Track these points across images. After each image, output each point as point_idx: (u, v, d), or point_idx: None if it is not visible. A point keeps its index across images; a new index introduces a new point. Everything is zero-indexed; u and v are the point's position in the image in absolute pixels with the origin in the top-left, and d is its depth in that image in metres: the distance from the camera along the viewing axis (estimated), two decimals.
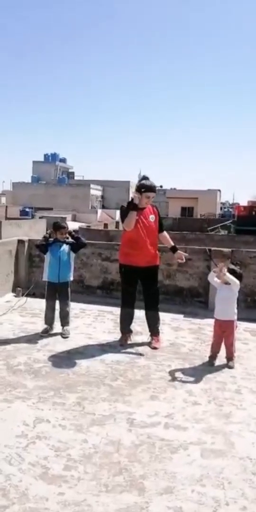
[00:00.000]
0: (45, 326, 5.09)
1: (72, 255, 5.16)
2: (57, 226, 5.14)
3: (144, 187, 4.70)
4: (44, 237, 5.15)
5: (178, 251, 4.96)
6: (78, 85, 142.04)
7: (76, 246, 5.17)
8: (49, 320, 5.11)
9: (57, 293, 5.10)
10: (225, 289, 4.30)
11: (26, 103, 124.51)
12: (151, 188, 4.74)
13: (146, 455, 2.77)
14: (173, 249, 4.96)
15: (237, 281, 4.25)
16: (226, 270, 4.24)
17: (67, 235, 5.14)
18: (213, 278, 4.48)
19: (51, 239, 5.07)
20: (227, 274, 4.22)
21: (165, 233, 4.98)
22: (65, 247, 5.08)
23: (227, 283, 4.27)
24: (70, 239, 5.15)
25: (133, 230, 4.69)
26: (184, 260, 5.06)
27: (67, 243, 5.10)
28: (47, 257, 5.08)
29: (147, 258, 4.72)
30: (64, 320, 5.09)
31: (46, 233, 5.21)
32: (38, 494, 2.37)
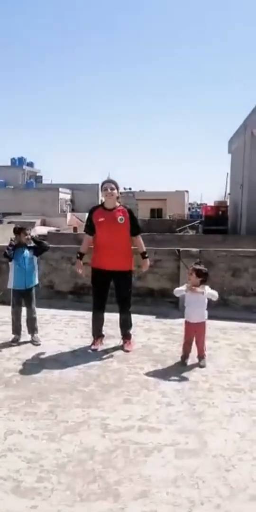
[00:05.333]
0: (14, 335, 4.96)
1: (35, 258, 5.05)
2: (19, 228, 5.03)
3: (102, 184, 4.83)
4: (10, 244, 5.00)
5: (144, 260, 4.90)
6: (44, 86, 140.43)
7: (39, 250, 5.07)
8: (17, 328, 4.98)
9: (24, 300, 5.00)
10: (197, 293, 4.33)
11: None
12: (105, 181, 4.80)
13: (120, 460, 2.75)
14: (143, 255, 4.90)
15: (216, 293, 4.34)
16: (200, 288, 4.28)
17: (30, 239, 5.03)
18: (180, 293, 4.50)
19: (14, 243, 4.93)
20: (206, 291, 4.28)
21: (138, 237, 4.82)
22: (28, 252, 4.96)
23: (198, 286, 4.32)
24: (32, 243, 5.03)
25: (100, 233, 4.68)
26: (143, 271, 5.04)
27: (29, 248, 4.97)
28: (11, 264, 4.93)
29: (115, 262, 4.64)
30: (33, 327, 5.00)
31: (11, 240, 5.07)
32: (9, 509, 2.30)
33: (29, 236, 5.02)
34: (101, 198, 4.95)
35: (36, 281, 5.09)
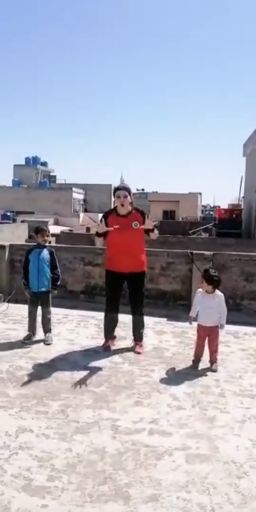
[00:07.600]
0: (28, 332, 5.03)
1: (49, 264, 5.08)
2: (36, 229, 5.17)
3: (114, 190, 4.73)
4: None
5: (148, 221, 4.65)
6: (60, 88, 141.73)
7: (52, 267, 5.05)
8: (31, 327, 5.05)
9: (39, 300, 5.04)
10: (209, 297, 4.31)
11: (6, 106, 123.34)
12: (118, 188, 4.71)
13: (131, 463, 2.74)
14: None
15: (224, 317, 4.34)
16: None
17: (49, 239, 5.16)
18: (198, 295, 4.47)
19: (34, 243, 5.05)
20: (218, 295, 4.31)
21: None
22: (45, 256, 5.01)
23: (210, 292, 4.29)
24: (50, 246, 5.12)
25: (115, 236, 4.64)
26: (150, 225, 4.69)
27: (46, 248, 5.05)
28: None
29: (130, 264, 4.65)
30: (46, 327, 5.04)
31: (32, 237, 5.25)
32: (20, 507, 2.32)
33: (47, 238, 5.13)
34: (114, 199, 4.88)
35: (50, 286, 5.08)
